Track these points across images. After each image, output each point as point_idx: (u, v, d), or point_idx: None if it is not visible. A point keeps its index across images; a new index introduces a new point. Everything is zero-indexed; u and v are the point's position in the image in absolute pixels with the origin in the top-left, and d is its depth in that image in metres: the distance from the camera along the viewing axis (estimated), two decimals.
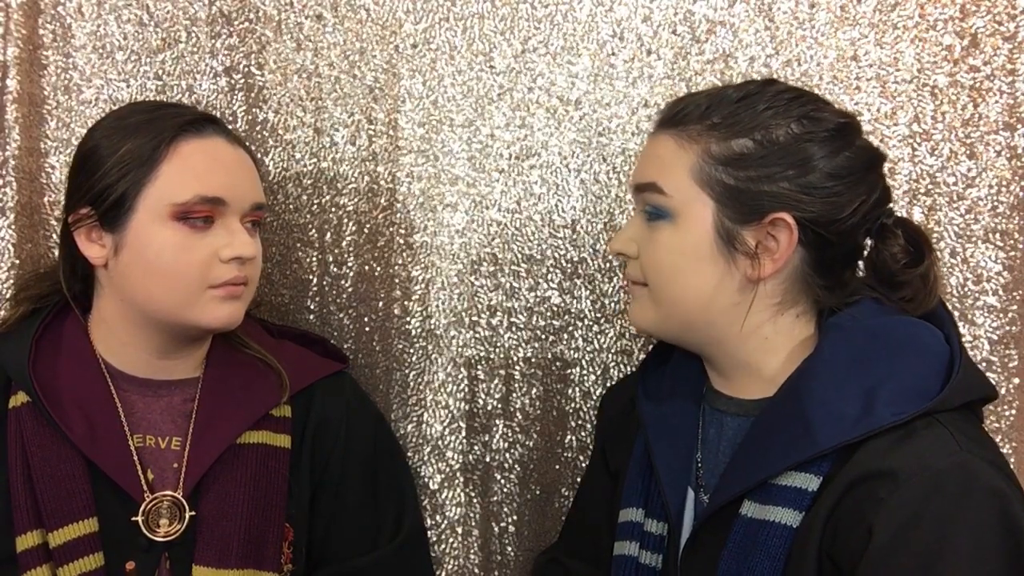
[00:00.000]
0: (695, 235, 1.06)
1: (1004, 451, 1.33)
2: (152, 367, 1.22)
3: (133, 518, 1.16)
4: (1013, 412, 1.37)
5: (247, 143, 1.38)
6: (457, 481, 1.46)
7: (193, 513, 1.17)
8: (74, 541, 1.13)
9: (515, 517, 1.46)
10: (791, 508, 1.01)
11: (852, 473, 0.98)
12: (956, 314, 1.33)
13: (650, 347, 1.41)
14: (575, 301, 1.42)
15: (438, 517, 1.46)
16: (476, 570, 1.47)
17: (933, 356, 1.03)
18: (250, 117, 1.43)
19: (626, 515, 1.17)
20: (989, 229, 1.35)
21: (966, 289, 1.36)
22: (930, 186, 1.36)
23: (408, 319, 1.45)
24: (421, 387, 1.45)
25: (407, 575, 1.33)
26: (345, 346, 1.46)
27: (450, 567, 1.46)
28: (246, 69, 1.43)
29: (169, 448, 1.20)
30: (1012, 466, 1.09)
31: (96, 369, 1.21)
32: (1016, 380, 1.37)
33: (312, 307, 1.47)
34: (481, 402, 1.45)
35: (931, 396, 0.99)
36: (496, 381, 1.45)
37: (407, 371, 1.45)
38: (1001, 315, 1.36)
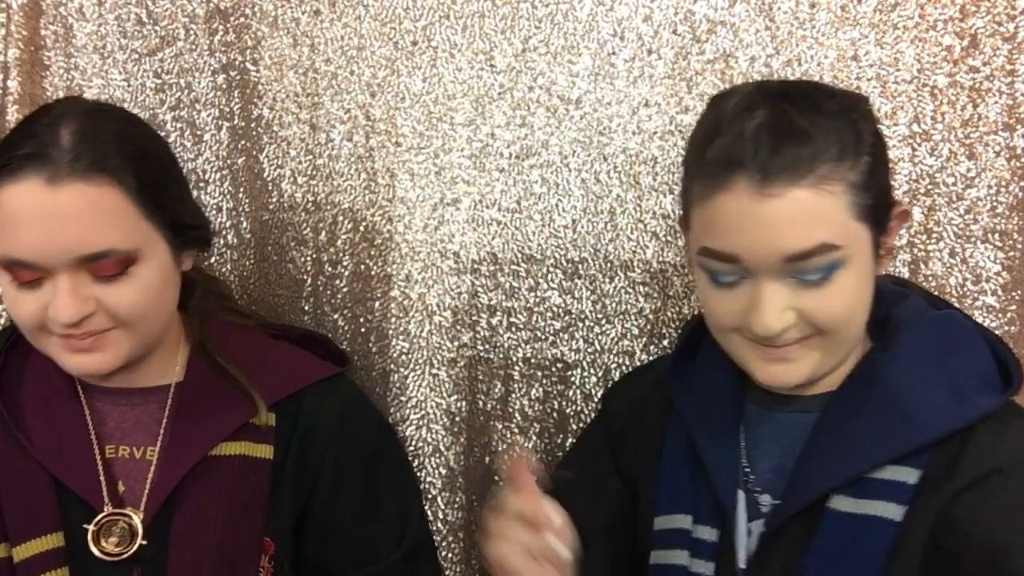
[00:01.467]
0: (864, 266, 1.02)
1: None
2: (116, 377, 1.16)
3: (84, 525, 1.12)
4: None
5: (245, 140, 1.38)
6: (458, 484, 1.45)
7: (144, 543, 1.12)
8: (37, 556, 1.10)
9: None
10: (893, 502, 1.01)
11: (961, 467, 1.00)
12: None
13: (651, 347, 1.42)
14: (575, 301, 1.42)
15: (438, 523, 1.45)
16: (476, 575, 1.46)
17: (983, 343, 1.08)
18: (246, 114, 1.43)
19: (670, 522, 1.13)
20: (988, 229, 1.35)
21: (965, 289, 1.36)
22: (930, 186, 1.36)
23: (406, 319, 1.44)
24: (419, 388, 1.45)
25: None
26: (343, 343, 1.45)
27: (450, 573, 1.45)
28: (241, 65, 1.43)
29: (144, 459, 1.17)
30: None
31: (64, 380, 1.17)
32: None
33: (306, 307, 1.46)
34: (480, 404, 1.44)
35: (996, 382, 1.05)
36: (495, 382, 1.44)
37: (405, 372, 1.45)
38: (1000, 315, 1.36)
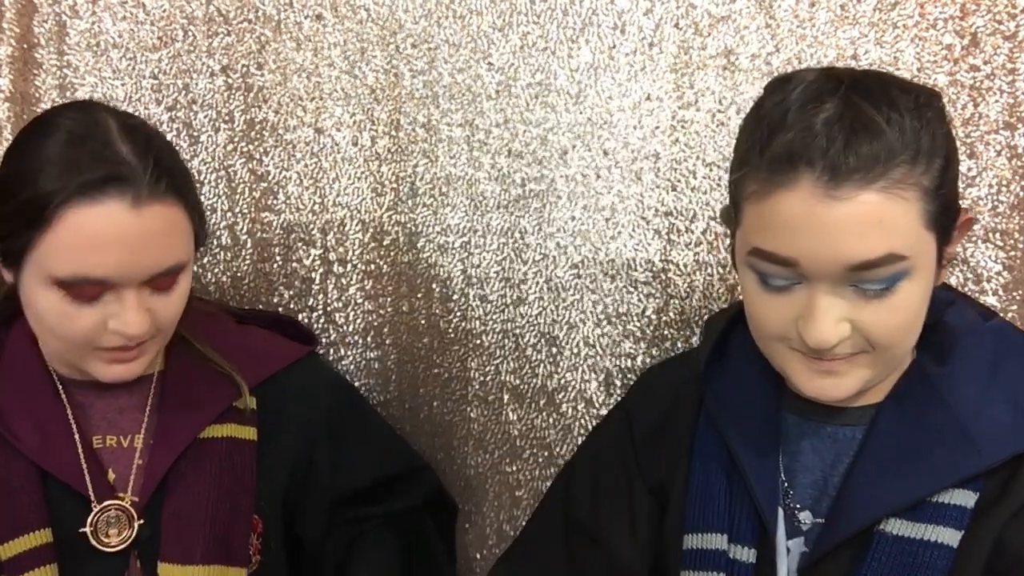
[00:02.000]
0: (927, 278, 0.95)
1: None
2: None
3: (81, 530, 1.13)
4: None
5: (245, 143, 1.37)
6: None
7: (142, 521, 1.14)
8: (25, 553, 1.10)
9: (515, 534, 1.44)
10: (951, 527, 0.96)
11: (1015, 488, 0.96)
12: None
13: (653, 350, 1.41)
14: (577, 302, 1.42)
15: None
16: None
17: None
18: (248, 116, 1.42)
19: (703, 541, 1.05)
20: (989, 229, 1.35)
21: (966, 289, 1.36)
22: None
23: (413, 315, 1.44)
24: (428, 381, 1.45)
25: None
26: (350, 343, 1.45)
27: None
28: (244, 68, 1.41)
29: (132, 446, 1.18)
30: None
31: (43, 375, 1.17)
32: None
33: (315, 306, 1.46)
34: (480, 405, 1.45)
35: None
36: (496, 383, 1.44)
37: (417, 364, 1.45)
38: (1001, 315, 1.36)
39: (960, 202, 0.99)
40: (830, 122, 0.90)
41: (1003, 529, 0.95)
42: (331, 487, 1.29)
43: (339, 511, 1.31)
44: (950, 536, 0.96)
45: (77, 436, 1.15)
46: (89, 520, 1.13)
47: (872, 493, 0.98)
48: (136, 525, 1.14)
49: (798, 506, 1.04)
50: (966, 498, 0.97)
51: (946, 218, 0.95)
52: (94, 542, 1.13)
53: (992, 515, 0.96)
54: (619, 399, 1.36)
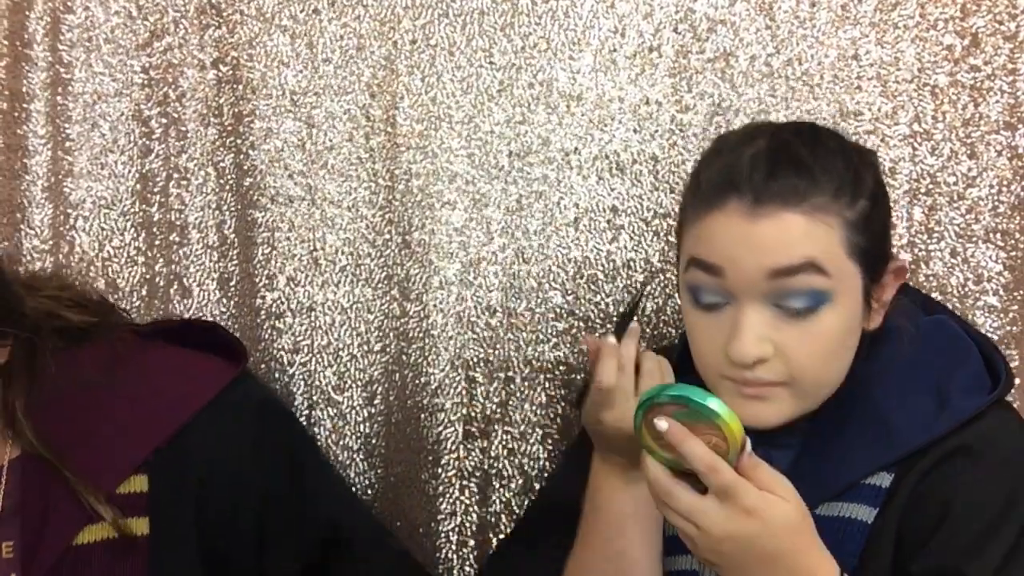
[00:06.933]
0: (851, 311, 1.00)
1: None
2: None
3: None
4: None
5: (234, 138, 1.35)
6: (453, 488, 1.42)
7: None
8: None
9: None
10: (867, 504, 1.02)
11: (927, 463, 1.01)
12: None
13: (652, 349, 1.39)
14: (578, 302, 1.40)
15: (433, 524, 1.42)
16: None
17: (969, 344, 1.08)
18: (237, 111, 1.40)
19: (674, 563, 1.10)
20: (990, 229, 1.35)
21: (966, 289, 1.36)
22: (930, 186, 1.36)
23: (405, 319, 1.42)
24: (418, 390, 1.42)
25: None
26: (339, 346, 1.42)
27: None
28: (235, 61, 1.40)
29: (2, 557, 0.97)
30: None
31: None
32: (1016, 380, 1.36)
33: (303, 308, 1.43)
34: (480, 406, 1.42)
35: (986, 383, 1.04)
36: (496, 385, 1.42)
37: (406, 372, 1.42)
38: (1002, 315, 1.36)
39: (893, 251, 1.07)
40: (758, 155, 0.99)
41: (909, 498, 1.00)
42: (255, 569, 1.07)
43: None
44: (866, 513, 1.02)
45: None
46: None
47: (811, 483, 1.01)
48: None
49: None
50: (881, 478, 1.02)
51: (874, 257, 1.01)
52: None
53: (901, 492, 1.01)
54: None
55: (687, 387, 0.92)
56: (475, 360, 1.41)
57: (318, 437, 1.42)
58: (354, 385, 1.42)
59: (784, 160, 0.98)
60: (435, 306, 1.41)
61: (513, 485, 1.42)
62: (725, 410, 0.90)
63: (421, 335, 1.41)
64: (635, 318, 1.08)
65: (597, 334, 1.38)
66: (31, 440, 0.96)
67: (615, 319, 1.07)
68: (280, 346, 1.43)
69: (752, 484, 0.89)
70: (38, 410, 0.97)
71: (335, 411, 1.43)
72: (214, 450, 1.03)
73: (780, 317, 0.98)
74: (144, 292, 1.42)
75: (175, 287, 1.43)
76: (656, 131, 1.38)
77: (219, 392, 1.04)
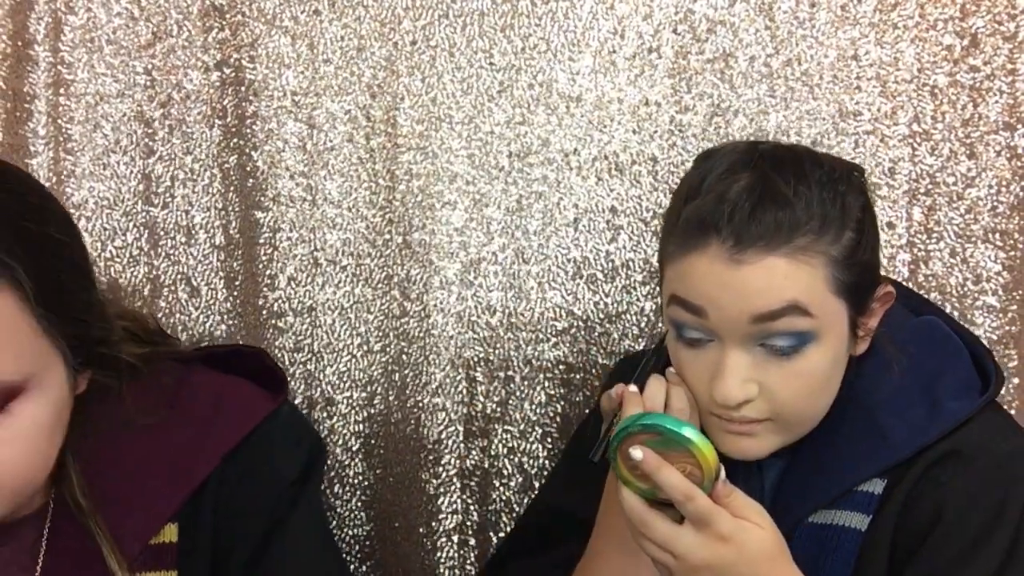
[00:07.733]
0: (837, 346, 0.99)
1: None
2: None
3: None
4: (1013, 412, 1.36)
5: (238, 139, 1.35)
6: (454, 487, 1.42)
7: None
8: None
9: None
10: (860, 512, 1.01)
11: (918, 469, 1.00)
12: (955, 314, 1.34)
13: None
14: (577, 302, 1.40)
15: (433, 523, 1.42)
16: None
17: (959, 346, 1.07)
18: (240, 111, 1.41)
19: None
20: (989, 229, 1.35)
21: (966, 289, 1.36)
22: (930, 186, 1.36)
23: (405, 319, 1.42)
24: (418, 389, 1.42)
25: None
26: (339, 346, 1.42)
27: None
28: (237, 63, 1.40)
29: None
30: None
31: None
32: (1016, 380, 1.37)
33: (304, 307, 1.43)
34: (480, 406, 1.42)
35: (977, 385, 1.04)
36: (495, 384, 1.42)
37: (406, 371, 1.42)
38: (1001, 315, 1.36)
39: (881, 274, 1.04)
40: (739, 192, 0.95)
41: (903, 505, 1.00)
42: None
43: None
44: (859, 521, 1.01)
45: None
46: None
47: (802, 493, 1.04)
48: None
49: None
50: (873, 485, 1.02)
51: (860, 289, 1.00)
52: None
53: (894, 498, 1.01)
54: None
55: (660, 416, 0.92)
56: (475, 360, 1.42)
57: None
58: (354, 385, 1.42)
59: (766, 199, 0.95)
60: (435, 306, 1.41)
61: (513, 484, 1.42)
62: (699, 437, 0.90)
63: (421, 335, 1.42)
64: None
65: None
66: (72, 487, 0.92)
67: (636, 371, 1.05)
68: (281, 345, 1.43)
69: (727, 511, 0.90)
70: (81, 455, 0.93)
71: (335, 411, 1.44)
72: (234, 486, 0.99)
73: (765, 356, 0.97)
74: (146, 293, 1.43)
75: (182, 287, 1.44)
76: (655, 132, 1.38)
77: (250, 431, 1.00)
